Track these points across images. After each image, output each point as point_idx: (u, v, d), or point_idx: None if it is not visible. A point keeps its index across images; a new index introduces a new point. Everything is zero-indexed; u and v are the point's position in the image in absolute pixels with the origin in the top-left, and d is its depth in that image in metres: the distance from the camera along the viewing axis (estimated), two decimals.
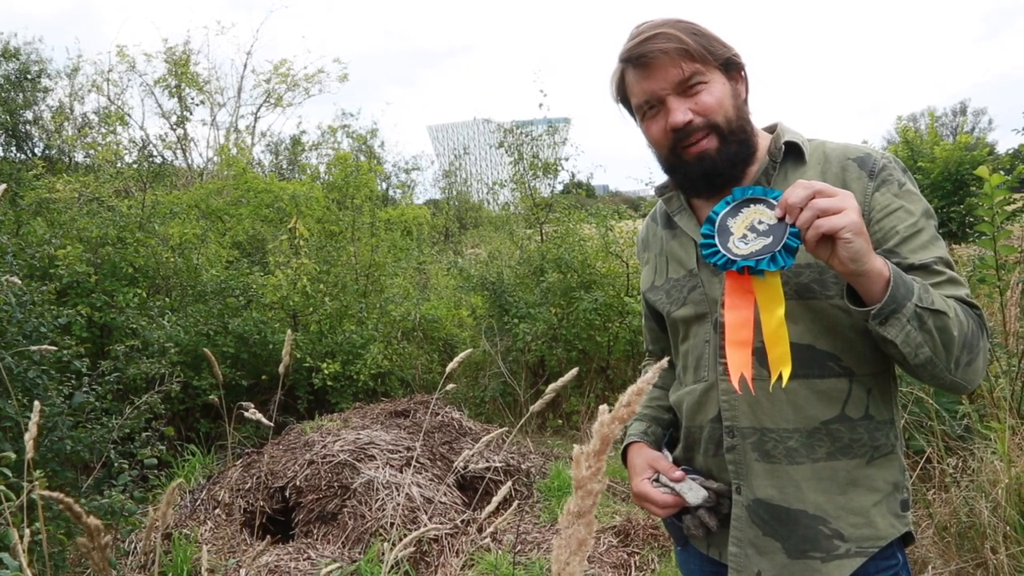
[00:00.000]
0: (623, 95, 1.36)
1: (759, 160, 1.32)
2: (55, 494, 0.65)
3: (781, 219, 1.12)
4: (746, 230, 1.17)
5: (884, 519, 1.26)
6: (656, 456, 1.47)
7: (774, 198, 1.15)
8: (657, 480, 1.41)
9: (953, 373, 1.14)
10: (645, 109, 1.30)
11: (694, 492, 1.35)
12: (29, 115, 14.91)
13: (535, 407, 1.30)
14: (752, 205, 1.18)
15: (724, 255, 1.17)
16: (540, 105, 7.41)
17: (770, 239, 1.13)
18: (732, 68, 1.30)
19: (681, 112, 1.24)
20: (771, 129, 1.38)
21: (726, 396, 1.31)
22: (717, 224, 1.20)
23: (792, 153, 1.31)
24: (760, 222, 1.16)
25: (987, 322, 1.22)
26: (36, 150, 15.21)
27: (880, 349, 1.22)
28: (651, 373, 0.47)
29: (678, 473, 1.38)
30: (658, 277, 1.48)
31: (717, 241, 1.19)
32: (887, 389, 1.28)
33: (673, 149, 1.29)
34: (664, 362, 0.61)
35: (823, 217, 1.03)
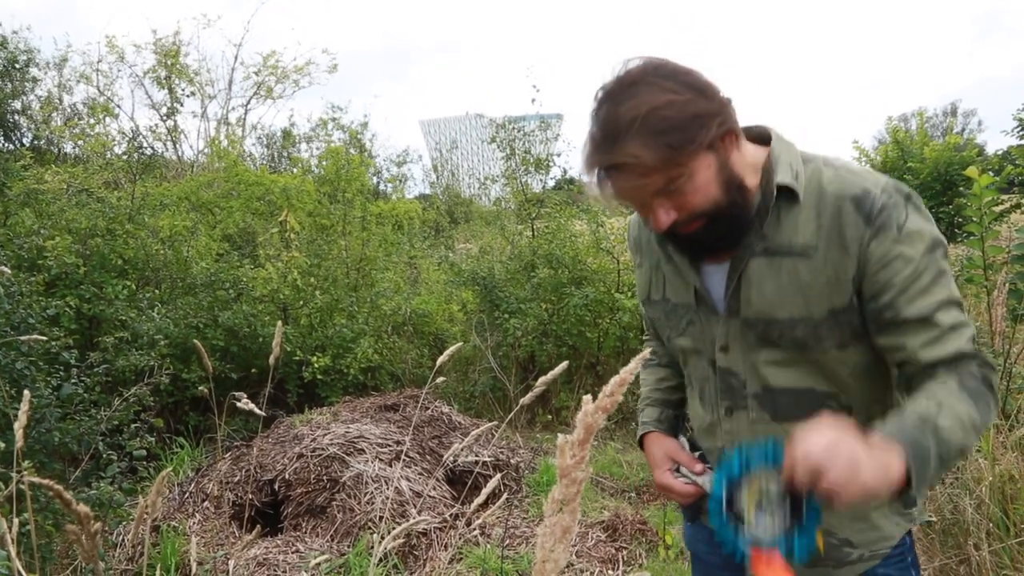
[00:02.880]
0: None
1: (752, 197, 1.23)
2: (45, 481, 0.65)
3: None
4: (756, 505, 1.12)
5: (888, 520, 1.28)
6: (674, 447, 1.47)
7: (774, 461, 1.09)
8: (678, 470, 1.42)
9: None
10: (629, 208, 1.28)
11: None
12: (17, 105, 14.80)
13: (524, 400, 1.31)
14: (754, 468, 1.13)
15: (748, 539, 1.11)
16: (532, 101, 7.41)
17: (785, 510, 1.10)
18: (714, 139, 1.14)
19: (664, 215, 1.16)
20: (757, 135, 1.28)
21: (728, 436, 1.33)
22: (724, 501, 1.15)
23: (786, 191, 1.21)
24: (769, 491, 1.11)
25: (991, 363, 1.18)
26: (24, 140, 15.10)
27: (880, 381, 1.25)
28: (633, 364, 0.48)
29: (699, 467, 1.40)
30: (655, 291, 1.43)
31: (732, 521, 1.13)
32: (887, 413, 1.22)
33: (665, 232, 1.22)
34: (646, 353, 0.62)
35: (832, 494, 0.99)
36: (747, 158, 1.21)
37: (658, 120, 1.08)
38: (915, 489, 1.01)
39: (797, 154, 1.23)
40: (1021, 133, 10.29)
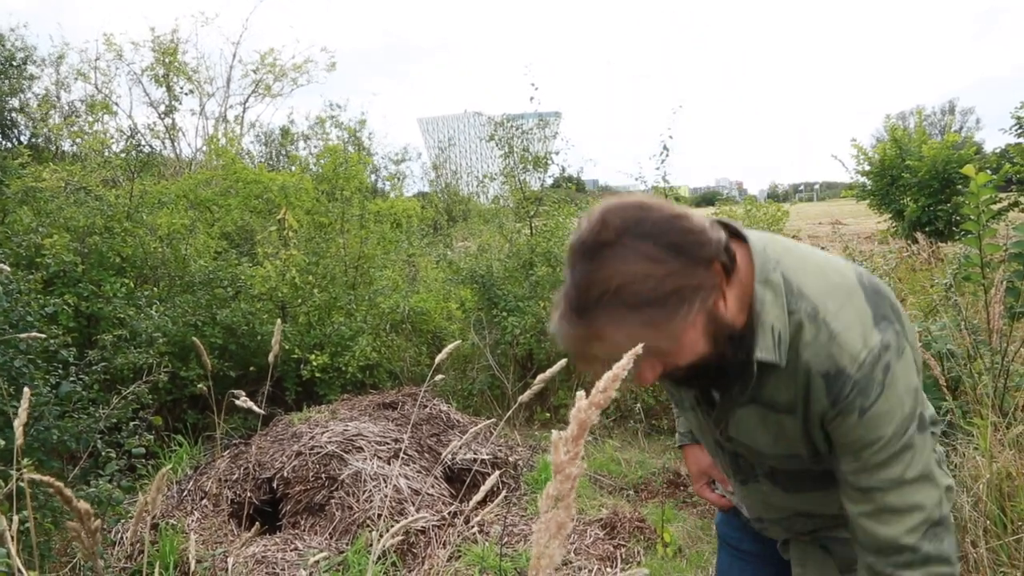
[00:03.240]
0: None
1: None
2: (45, 478, 0.65)
3: None
4: None
5: None
6: (709, 462, 1.57)
7: None
8: (713, 483, 1.55)
9: None
10: None
11: None
12: (15, 102, 14.79)
13: (523, 397, 1.31)
14: None
15: None
16: (531, 99, 7.41)
17: None
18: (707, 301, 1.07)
19: (648, 371, 1.12)
20: (734, 231, 1.18)
21: (748, 501, 1.43)
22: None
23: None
24: None
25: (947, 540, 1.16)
26: (22, 138, 15.09)
27: None
28: (625, 359, 0.48)
29: (731, 486, 1.48)
30: None
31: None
32: None
33: None
34: (639, 348, 0.62)
35: None
36: (735, 291, 1.13)
37: (632, 295, 1.00)
38: None
39: (782, 300, 1.13)
40: (1019, 131, 10.32)
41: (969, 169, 3.28)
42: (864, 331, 1.10)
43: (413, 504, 3.70)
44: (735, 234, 1.18)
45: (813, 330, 1.12)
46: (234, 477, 4.02)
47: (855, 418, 1.10)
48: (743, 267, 1.14)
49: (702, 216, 1.11)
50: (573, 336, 1.06)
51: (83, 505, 0.64)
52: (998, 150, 12.08)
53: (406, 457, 4.15)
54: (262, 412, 1.40)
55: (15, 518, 1.12)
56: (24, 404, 1.02)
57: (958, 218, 10.54)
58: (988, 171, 3.57)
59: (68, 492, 0.63)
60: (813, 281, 1.14)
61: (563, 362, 1.57)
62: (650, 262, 1.00)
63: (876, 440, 1.11)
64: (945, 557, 1.13)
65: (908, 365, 1.12)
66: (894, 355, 1.11)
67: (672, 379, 1.19)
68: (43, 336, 2.63)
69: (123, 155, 7.04)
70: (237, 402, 1.39)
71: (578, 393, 0.50)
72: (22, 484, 1.11)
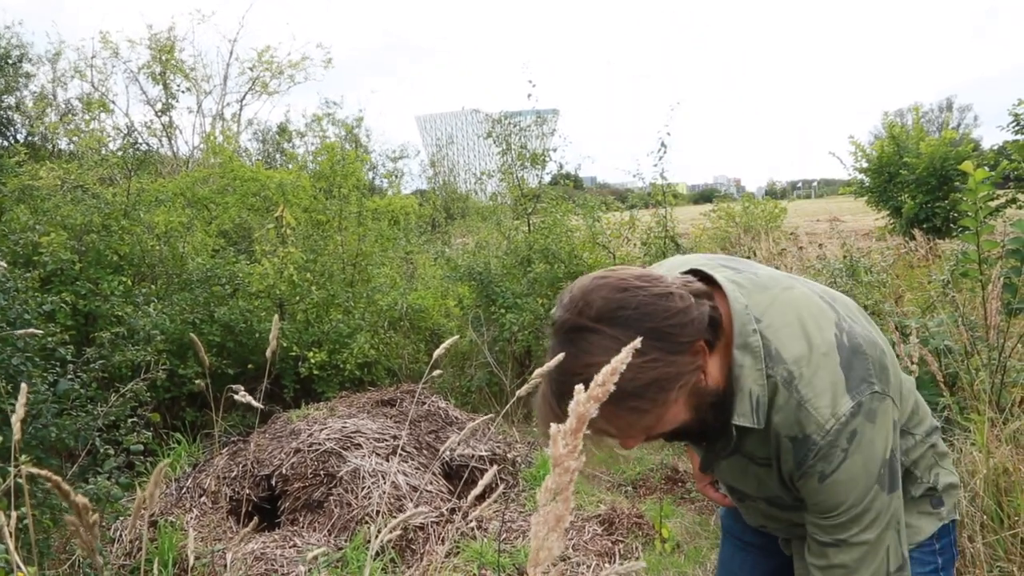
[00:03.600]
0: None
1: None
2: (43, 472, 0.65)
3: None
4: None
5: (919, 519, 1.35)
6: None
7: None
8: (716, 481, 1.59)
9: None
10: None
11: None
12: (11, 100, 14.76)
13: (520, 391, 1.32)
14: None
15: None
16: (529, 96, 7.41)
17: None
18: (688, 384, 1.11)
19: (632, 444, 1.18)
20: (706, 278, 1.21)
21: (748, 513, 1.50)
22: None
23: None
24: None
25: None
26: (19, 136, 15.06)
27: None
28: (624, 352, 0.48)
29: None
30: None
31: None
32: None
33: None
34: (637, 342, 0.62)
35: None
36: (718, 358, 1.15)
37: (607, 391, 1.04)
38: None
39: (760, 364, 1.14)
40: (1017, 128, 10.33)
41: (967, 166, 3.29)
42: (834, 398, 1.11)
43: (411, 501, 3.71)
44: (714, 283, 1.19)
45: (785, 395, 1.13)
46: (233, 474, 4.02)
47: (815, 483, 1.14)
48: (725, 325, 1.16)
49: (685, 294, 1.09)
50: (555, 420, 1.06)
51: (81, 499, 0.64)
52: (996, 147, 12.09)
53: (404, 454, 4.15)
54: (260, 407, 1.40)
55: (13, 514, 1.12)
56: (21, 400, 1.02)
57: (955, 215, 10.54)
58: (986, 168, 3.57)
59: (66, 486, 0.63)
60: (790, 344, 1.15)
61: (560, 356, 1.57)
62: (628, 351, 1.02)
63: (836, 506, 1.14)
64: None
65: (884, 425, 1.12)
66: (863, 420, 1.11)
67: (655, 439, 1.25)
68: (40, 333, 2.62)
69: (120, 153, 7.03)
70: (236, 397, 1.39)
71: (577, 387, 0.50)
72: (20, 481, 1.11)
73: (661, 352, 1.04)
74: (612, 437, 1.16)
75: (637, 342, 0.97)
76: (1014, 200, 10.05)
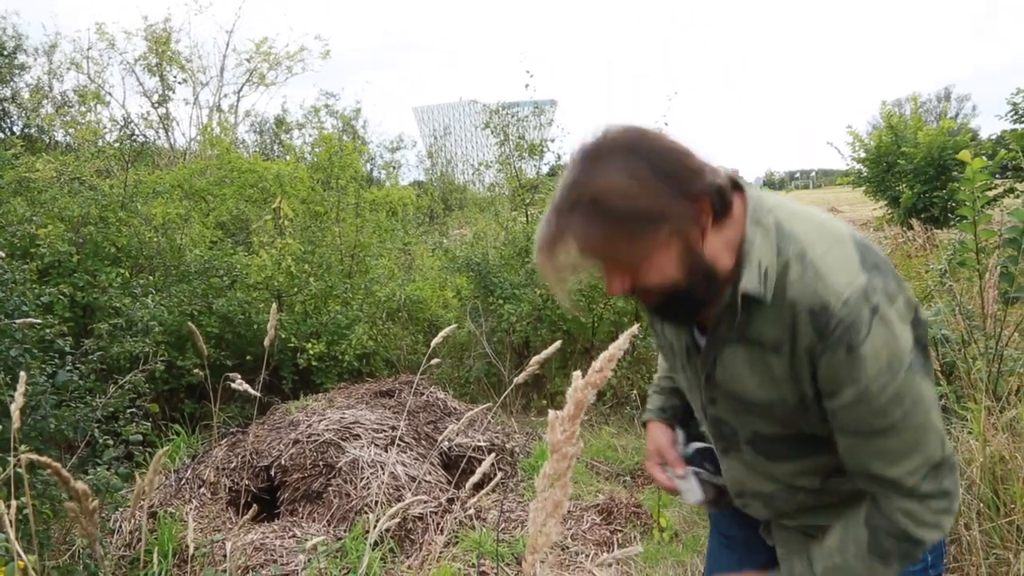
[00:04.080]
0: None
1: (728, 277, 1.18)
2: (43, 459, 0.66)
3: None
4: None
5: None
6: (667, 442, 1.54)
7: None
8: (669, 465, 1.50)
9: None
10: None
11: (692, 493, 1.45)
12: (6, 92, 14.70)
13: (518, 379, 1.33)
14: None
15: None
16: (526, 86, 7.38)
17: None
18: (678, 231, 1.11)
19: (617, 283, 1.16)
20: (731, 178, 1.20)
21: (730, 472, 1.40)
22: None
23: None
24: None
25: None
26: (15, 128, 15.01)
27: None
28: (622, 340, 0.48)
29: (680, 471, 1.47)
30: (660, 327, 1.43)
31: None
32: None
33: None
34: (634, 329, 0.62)
35: None
36: (726, 234, 1.16)
37: (606, 206, 1.06)
38: None
39: (772, 240, 1.15)
40: (1015, 118, 10.31)
41: (965, 155, 3.29)
42: (850, 273, 1.10)
43: (410, 491, 3.72)
44: (736, 186, 1.21)
45: (799, 269, 1.12)
46: (232, 466, 4.03)
47: (843, 354, 1.09)
48: (737, 215, 1.17)
49: (706, 159, 1.13)
50: (546, 235, 1.11)
51: (80, 485, 0.64)
52: (994, 136, 12.08)
53: (403, 444, 4.16)
54: (258, 396, 1.41)
55: (13, 504, 1.12)
56: (20, 389, 1.02)
57: (953, 204, 10.54)
58: (983, 157, 3.57)
59: (66, 473, 0.64)
60: (804, 227, 1.16)
61: (558, 344, 1.58)
62: (632, 179, 1.05)
63: (868, 382, 1.09)
64: (944, 492, 1.14)
65: (901, 313, 1.11)
66: (883, 298, 1.09)
67: (646, 303, 1.22)
68: (38, 322, 2.62)
69: (117, 145, 7.02)
70: (233, 385, 1.39)
71: (575, 373, 0.50)
72: (20, 470, 1.11)
73: (664, 189, 1.06)
74: (596, 265, 1.14)
75: (644, 171, 1.05)
76: (1012, 189, 10.05)
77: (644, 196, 1.05)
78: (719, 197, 1.12)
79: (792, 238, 1.15)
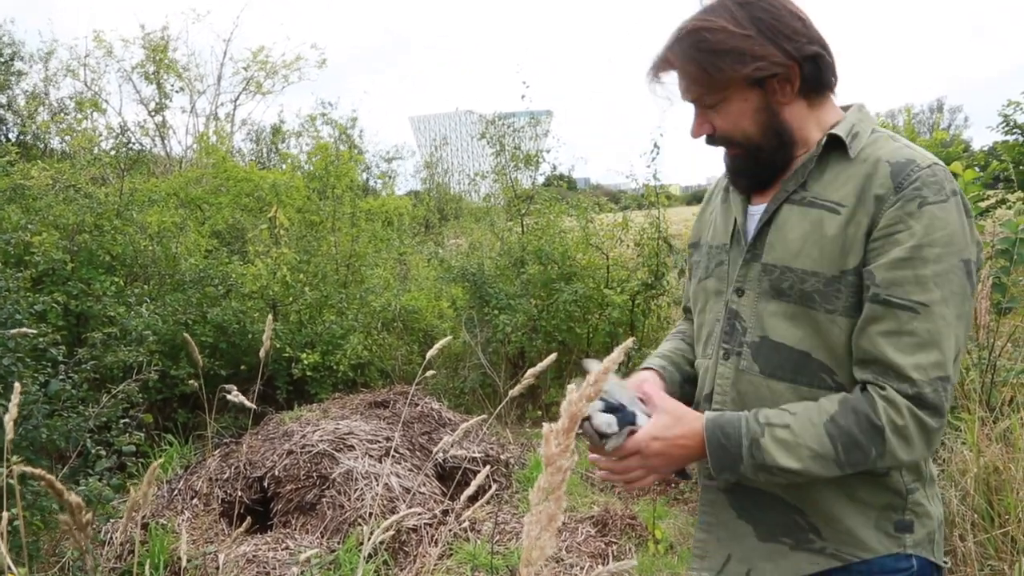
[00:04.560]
0: None
1: (807, 150, 1.25)
2: (37, 471, 0.65)
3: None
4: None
5: (870, 533, 1.20)
6: (643, 377, 1.44)
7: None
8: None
9: (843, 471, 1.14)
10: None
11: (601, 417, 1.22)
12: (2, 99, 14.68)
13: (513, 391, 1.32)
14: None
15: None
16: (522, 97, 7.41)
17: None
18: (762, 78, 1.18)
19: (697, 126, 1.27)
20: (847, 108, 1.29)
21: (720, 380, 1.32)
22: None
23: (838, 145, 1.21)
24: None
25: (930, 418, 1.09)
26: (10, 135, 14.97)
27: None
28: (617, 352, 0.48)
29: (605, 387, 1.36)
30: (704, 234, 1.49)
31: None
32: None
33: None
34: (629, 343, 0.62)
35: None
36: (818, 114, 1.24)
37: (699, 40, 1.17)
38: (715, 473, 1.18)
39: (870, 124, 1.24)
40: (1006, 129, 10.36)
41: (956, 166, 3.31)
42: (938, 162, 1.15)
43: (404, 502, 3.70)
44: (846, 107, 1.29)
45: (893, 142, 1.19)
46: (225, 476, 4.01)
47: (914, 206, 1.10)
48: (832, 109, 1.26)
49: (821, 36, 1.21)
50: (656, 59, 1.25)
51: (74, 498, 0.63)
52: (986, 148, 12.14)
53: (397, 455, 4.15)
54: (253, 407, 1.40)
55: (4, 515, 1.11)
56: (14, 400, 1.02)
57: None
58: (976, 168, 3.59)
59: (60, 485, 0.63)
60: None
61: (553, 356, 1.58)
62: (731, 22, 1.16)
63: (923, 241, 1.09)
64: (939, 410, 1.10)
65: (972, 224, 1.14)
66: (964, 199, 1.13)
67: (726, 156, 1.31)
68: (32, 332, 2.61)
69: (113, 153, 7.01)
70: (228, 396, 1.39)
71: (569, 386, 0.50)
72: (11, 481, 1.11)
73: (759, 35, 1.16)
74: (689, 95, 1.25)
75: (743, 17, 1.16)
76: (1003, 201, 10.08)
77: (735, 37, 1.15)
78: (814, 68, 1.19)
79: (891, 134, 1.22)
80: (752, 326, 1.27)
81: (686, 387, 1.48)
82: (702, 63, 1.17)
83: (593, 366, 1.17)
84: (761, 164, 1.26)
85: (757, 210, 1.31)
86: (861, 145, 1.20)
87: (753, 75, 1.16)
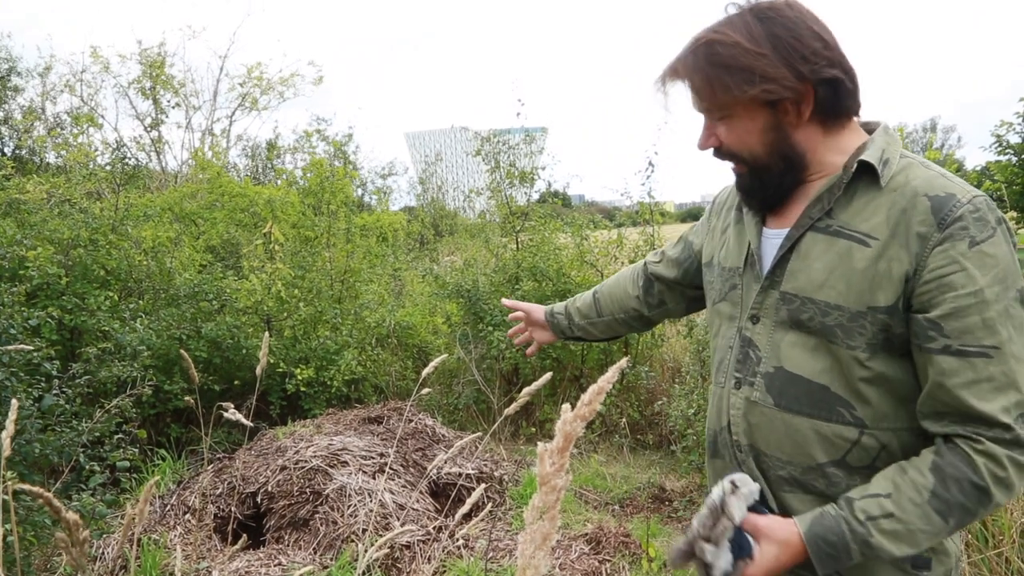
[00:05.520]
0: None
1: (830, 173, 1.20)
2: (35, 488, 0.66)
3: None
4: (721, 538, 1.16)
5: (886, 571, 1.17)
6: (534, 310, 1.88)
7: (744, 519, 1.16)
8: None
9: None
10: None
11: (722, 559, 1.17)
12: None
13: (508, 410, 1.33)
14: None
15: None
16: (517, 114, 7.45)
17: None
18: (772, 99, 1.14)
19: (704, 138, 1.24)
20: (871, 129, 1.24)
21: (733, 411, 1.29)
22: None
23: (868, 172, 1.15)
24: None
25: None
26: (6, 150, 14.98)
27: (907, 407, 1.15)
28: (611, 372, 0.49)
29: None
30: (715, 255, 1.44)
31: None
32: (911, 448, 1.15)
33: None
34: (623, 363, 0.63)
35: None
36: (836, 139, 1.19)
37: (711, 52, 1.14)
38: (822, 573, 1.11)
39: (898, 148, 1.18)
40: (999, 149, 10.44)
41: None
42: (975, 190, 1.10)
43: (398, 519, 3.69)
44: (869, 128, 1.25)
45: (924, 170, 1.14)
46: (218, 492, 3.99)
47: (965, 247, 1.05)
48: (853, 132, 1.21)
49: (844, 58, 1.17)
50: (670, 63, 1.22)
51: (72, 515, 0.64)
52: (979, 168, 12.23)
53: (391, 472, 4.14)
54: (250, 425, 1.40)
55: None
56: (12, 415, 1.02)
57: None
58: None
59: (57, 503, 0.64)
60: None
61: (548, 376, 1.59)
62: (747, 38, 1.13)
63: (984, 286, 1.04)
64: None
65: (1015, 247, 1.10)
66: (1006, 224, 1.08)
67: (733, 173, 1.27)
68: (29, 348, 2.61)
69: (108, 168, 7.02)
70: (226, 414, 1.39)
71: (563, 406, 0.51)
72: (5, 497, 1.11)
73: (774, 54, 1.12)
74: (697, 107, 1.22)
75: (760, 34, 1.11)
76: None
77: (748, 55, 1.12)
78: (830, 92, 1.14)
79: (918, 158, 1.18)
80: (767, 355, 1.24)
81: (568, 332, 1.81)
82: (710, 77, 1.15)
83: (741, 481, 1.18)
84: (766, 185, 1.23)
85: (773, 234, 1.27)
86: (891, 172, 1.15)
87: (761, 96, 1.13)
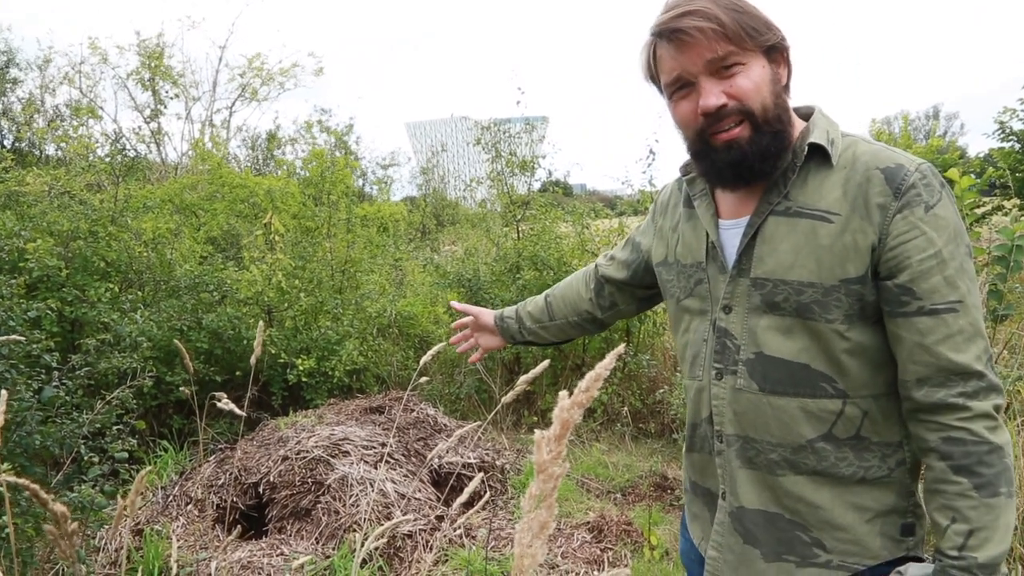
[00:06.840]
0: (652, 71, 1.27)
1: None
2: (22, 480, 0.64)
3: None
4: None
5: (876, 539, 1.21)
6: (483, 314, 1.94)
7: None
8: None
9: None
10: (675, 87, 1.23)
11: None
12: None
13: (507, 398, 1.32)
14: None
15: None
16: (517, 103, 7.42)
17: None
18: (775, 51, 1.21)
19: (714, 95, 1.18)
20: (804, 114, 1.30)
21: (716, 401, 1.31)
22: None
23: (818, 153, 1.21)
24: None
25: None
26: (6, 142, 14.97)
27: (883, 372, 1.20)
28: (608, 359, 0.48)
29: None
30: (669, 253, 1.45)
31: None
32: (890, 412, 1.21)
33: (702, 134, 1.22)
34: (620, 349, 0.62)
35: None
36: (793, 115, 1.26)
37: (730, 1, 1.17)
38: None
39: (838, 128, 1.25)
40: (1002, 136, 10.40)
41: (953, 173, 3.31)
42: (917, 158, 1.17)
43: (399, 508, 3.69)
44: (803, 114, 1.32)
45: (868, 146, 1.20)
46: (220, 482, 3.99)
47: (921, 212, 1.13)
48: (798, 121, 1.28)
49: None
50: (680, 6, 1.19)
51: (59, 507, 0.63)
52: (982, 155, 12.18)
53: (392, 461, 4.14)
54: (243, 414, 1.39)
55: None
56: (1, 407, 1.01)
57: None
58: (972, 175, 3.59)
59: (44, 494, 0.63)
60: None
61: (546, 363, 1.57)
62: (734, 8, 1.18)
63: (942, 246, 1.12)
64: (998, 385, 1.12)
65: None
66: (948, 189, 1.16)
67: (723, 145, 1.21)
68: (23, 339, 2.60)
69: (108, 159, 6.99)
70: (219, 404, 1.38)
71: (561, 393, 0.50)
72: (2, 490, 1.10)
73: (769, 20, 1.20)
74: (708, 30, 1.17)
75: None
76: (1000, 207, 10.13)
77: (756, 9, 1.19)
78: (789, 67, 1.25)
79: (857, 134, 1.25)
80: (745, 343, 1.26)
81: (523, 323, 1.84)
82: (736, 19, 1.16)
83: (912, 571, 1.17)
84: (762, 149, 1.19)
85: (731, 224, 1.30)
86: (839, 151, 1.21)
87: (781, 44, 1.20)
